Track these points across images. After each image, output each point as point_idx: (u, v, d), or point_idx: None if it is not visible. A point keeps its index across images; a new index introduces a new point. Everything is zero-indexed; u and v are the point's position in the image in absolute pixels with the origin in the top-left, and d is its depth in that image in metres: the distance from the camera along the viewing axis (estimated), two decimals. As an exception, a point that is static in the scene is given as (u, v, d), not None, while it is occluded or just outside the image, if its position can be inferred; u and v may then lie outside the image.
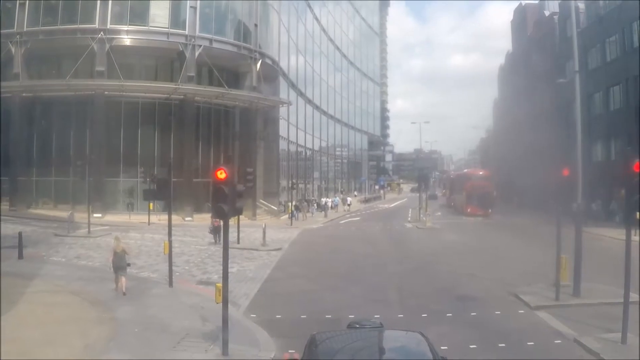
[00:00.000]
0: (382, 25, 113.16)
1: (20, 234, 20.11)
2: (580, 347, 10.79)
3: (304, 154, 60.91)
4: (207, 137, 41.51)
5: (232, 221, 17.39)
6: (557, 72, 40.76)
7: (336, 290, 16.76)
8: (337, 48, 74.53)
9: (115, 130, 38.00)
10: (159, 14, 38.03)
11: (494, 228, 36.44)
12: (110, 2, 36.60)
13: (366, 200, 73.31)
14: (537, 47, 52.31)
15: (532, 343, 11.13)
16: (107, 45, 36.05)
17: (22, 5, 36.66)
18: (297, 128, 56.56)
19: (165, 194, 18.40)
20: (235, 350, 10.18)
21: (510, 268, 19.58)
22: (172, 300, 14.42)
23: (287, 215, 40.89)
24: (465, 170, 65.66)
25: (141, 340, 10.82)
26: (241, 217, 24.44)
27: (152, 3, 38.25)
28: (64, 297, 13.99)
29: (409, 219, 45.38)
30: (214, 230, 25.34)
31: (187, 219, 36.69)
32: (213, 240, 25.81)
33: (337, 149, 78.99)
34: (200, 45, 38.42)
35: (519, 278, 17.18)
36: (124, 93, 37.20)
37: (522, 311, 13.80)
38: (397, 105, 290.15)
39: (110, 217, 35.09)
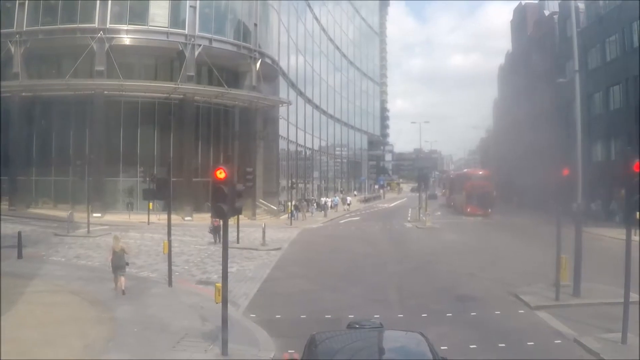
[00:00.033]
0: (382, 25, 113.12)
1: (19, 233, 20.09)
2: (580, 347, 10.77)
3: (303, 153, 60.89)
4: (207, 136, 41.51)
5: (231, 221, 17.42)
6: (557, 72, 40.75)
7: (336, 290, 16.74)
8: (337, 48, 74.52)
9: (114, 129, 38.00)
10: (159, 14, 38.02)
11: (493, 228, 36.42)
12: (109, 1, 36.58)
13: (366, 200, 73.30)
14: (537, 47, 52.30)
15: (532, 343, 11.12)
16: (107, 45, 36.03)
17: (22, 4, 36.64)
18: (296, 128, 56.55)
19: (164, 193, 18.38)
20: (235, 350, 10.17)
21: (510, 268, 19.57)
22: (172, 300, 14.41)
23: (286, 215, 40.88)
24: (465, 170, 65.62)
25: (140, 340, 10.81)
26: (241, 216, 24.40)
27: (151, 3, 38.25)
28: (63, 297, 13.98)
29: (409, 218, 45.36)
30: (214, 230, 25.32)
31: (186, 218, 36.69)
32: (212, 240, 25.80)
33: (337, 148, 79.02)
34: (199, 45, 38.41)
35: (519, 278, 17.17)
36: (124, 93, 37.19)
37: (522, 311, 13.78)
38: (397, 105, 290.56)
39: (109, 217, 35.09)
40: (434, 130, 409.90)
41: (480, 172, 54.23)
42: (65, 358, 9.55)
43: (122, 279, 14.49)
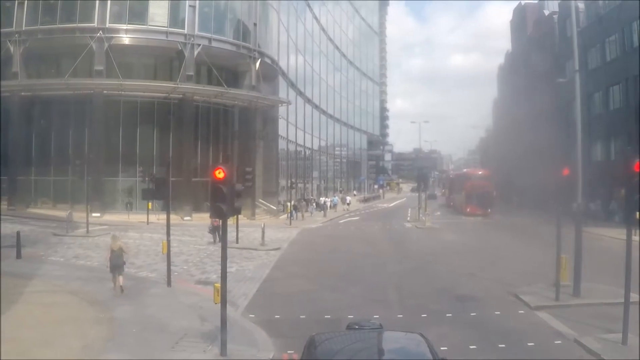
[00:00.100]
0: (382, 24, 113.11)
1: (18, 233, 20.03)
2: (580, 347, 10.75)
3: (303, 153, 60.86)
4: (206, 136, 41.50)
5: (231, 221, 17.39)
6: (557, 72, 40.77)
7: (335, 290, 16.71)
8: (337, 47, 74.50)
9: (114, 129, 37.97)
10: (158, 13, 37.98)
11: (493, 228, 36.41)
12: (109, 1, 36.55)
13: (365, 200, 73.33)
14: (536, 46, 52.28)
15: (532, 343, 11.09)
16: (106, 45, 35.99)
17: (21, 4, 36.61)
18: (296, 127, 56.52)
19: (163, 193, 18.35)
20: (234, 351, 10.14)
21: (510, 268, 19.54)
22: (171, 300, 14.37)
23: (286, 215, 40.85)
24: (465, 170, 65.56)
25: (139, 340, 10.78)
26: (240, 216, 24.30)
27: (151, 2, 38.20)
28: (62, 297, 13.95)
29: (408, 218, 45.34)
30: (214, 230, 25.28)
31: (185, 218, 36.66)
32: (212, 240, 25.77)
33: (337, 148, 79.00)
34: (199, 45, 38.38)
35: (519, 278, 17.13)
36: (123, 92, 37.15)
37: (522, 311, 13.75)
38: (396, 104, 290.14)
39: (109, 217, 35.07)
40: (433, 130, 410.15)
41: (480, 172, 54.17)
42: (64, 358, 9.52)
43: (121, 277, 14.48)
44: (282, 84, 50.93)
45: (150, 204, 32.10)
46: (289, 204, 40.92)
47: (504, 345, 10.98)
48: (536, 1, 58.84)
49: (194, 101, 39.39)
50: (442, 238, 31.09)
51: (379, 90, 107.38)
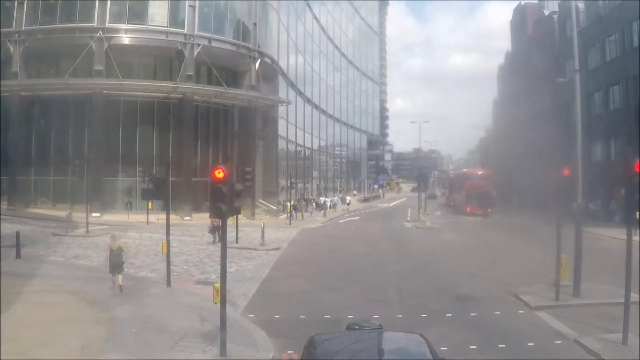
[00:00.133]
0: (382, 24, 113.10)
1: (18, 233, 20.01)
2: (580, 347, 10.74)
3: (303, 153, 60.86)
4: (206, 136, 41.47)
5: (230, 221, 17.36)
6: (557, 72, 40.77)
7: (335, 290, 16.70)
8: (337, 47, 74.47)
9: (113, 129, 37.94)
10: (158, 13, 37.95)
11: (493, 228, 36.40)
12: (108, 1, 36.50)
13: (365, 200, 73.33)
14: (536, 46, 52.28)
15: (532, 343, 11.08)
16: (106, 44, 35.96)
17: (21, 4, 36.57)
18: (296, 127, 56.50)
19: (163, 193, 18.33)
20: (234, 351, 10.13)
21: (510, 268, 19.54)
22: (170, 300, 14.36)
23: (285, 215, 40.84)
24: (465, 170, 65.59)
25: (139, 340, 10.77)
26: (240, 216, 24.30)
27: (150, 2, 38.16)
28: (61, 297, 13.93)
29: (408, 218, 45.32)
30: (213, 230, 25.27)
31: (185, 218, 36.64)
32: (212, 240, 25.75)
33: (336, 148, 78.98)
34: (199, 44, 38.36)
35: (519, 278, 17.13)
36: (123, 92, 37.11)
37: (522, 311, 13.75)
38: (396, 104, 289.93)
39: (108, 217, 35.04)
40: (433, 130, 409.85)
41: (480, 172, 54.17)
42: (63, 358, 9.51)
43: (120, 277, 14.48)
44: (282, 83, 50.90)
45: (150, 203, 32.06)
46: (288, 203, 40.90)
47: (504, 345, 10.96)
48: (536, 1, 58.86)
49: (194, 101, 39.37)
50: (442, 238, 31.08)
51: (378, 90, 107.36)
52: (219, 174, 9.95)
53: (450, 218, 44.98)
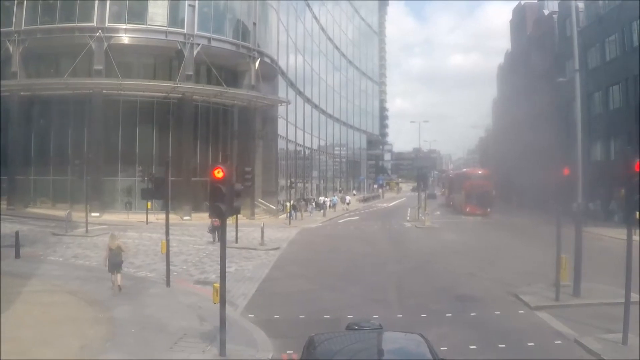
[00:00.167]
0: (381, 24, 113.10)
1: (17, 233, 19.99)
2: (580, 347, 10.73)
3: (302, 153, 60.84)
4: (206, 136, 41.45)
5: (230, 220, 17.34)
6: (557, 72, 40.73)
7: (335, 289, 16.68)
8: (336, 47, 74.45)
9: (113, 129, 37.90)
10: (157, 13, 37.92)
11: (493, 227, 36.40)
12: (108, 1, 36.47)
13: (365, 200, 73.31)
14: (536, 46, 52.25)
15: (532, 344, 11.07)
16: (105, 44, 35.93)
17: (20, 4, 36.54)
18: (295, 127, 56.47)
19: (163, 193, 18.31)
20: (233, 351, 10.11)
21: (510, 268, 19.52)
22: (170, 299, 14.34)
23: (285, 215, 40.82)
24: (464, 170, 65.61)
25: (138, 340, 10.75)
26: (239, 216, 24.28)
27: (150, 2, 38.11)
28: (61, 297, 13.91)
29: (408, 218, 45.31)
30: (213, 230, 25.23)
31: (185, 218, 36.61)
32: (211, 240, 25.72)
33: (336, 148, 78.96)
34: (198, 44, 38.33)
35: (519, 278, 17.12)
36: (122, 92, 37.09)
37: (522, 311, 13.73)
38: (396, 104, 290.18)
39: (108, 216, 35.02)
40: (433, 129, 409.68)
41: (480, 172, 54.17)
42: (63, 358, 9.49)
43: (119, 276, 14.46)
44: (281, 83, 50.87)
45: (149, 203, 32.08)
46: (288, 203, 40.88)
47: (504, 346, 10.95)
48: (536, 1, 58.83)
49: (194, 101, 39.34)
50: (442, 238, 31.06)
51: (378, 90, 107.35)
52: (219, 173, 9.94)
53: (450, 218, 44.97)
